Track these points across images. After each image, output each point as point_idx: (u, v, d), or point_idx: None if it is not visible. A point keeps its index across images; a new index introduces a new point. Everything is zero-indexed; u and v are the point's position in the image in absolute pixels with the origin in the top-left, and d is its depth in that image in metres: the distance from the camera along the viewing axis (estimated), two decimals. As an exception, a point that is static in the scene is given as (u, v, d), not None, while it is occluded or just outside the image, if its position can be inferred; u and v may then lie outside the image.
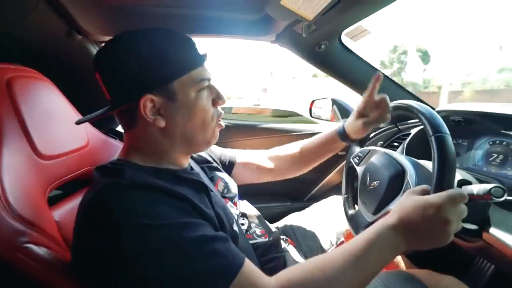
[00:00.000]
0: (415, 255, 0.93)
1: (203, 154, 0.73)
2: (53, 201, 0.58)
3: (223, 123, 0.57)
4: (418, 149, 0.83)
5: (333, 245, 0.81)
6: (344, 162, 0.82)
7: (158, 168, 0.49)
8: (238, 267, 0.38)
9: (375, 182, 0.63)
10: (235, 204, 0.69)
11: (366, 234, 0.44)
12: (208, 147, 0.56)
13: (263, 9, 0.76)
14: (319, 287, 0.39)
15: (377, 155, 0.68)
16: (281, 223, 0.90)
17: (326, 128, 1.19)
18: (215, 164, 0.73)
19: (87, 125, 0.71)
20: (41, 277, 0.41)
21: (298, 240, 0.80)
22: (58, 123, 0.61)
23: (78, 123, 0.53)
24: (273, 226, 0.81)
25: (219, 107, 0.55)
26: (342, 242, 0.81)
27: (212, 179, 0.67)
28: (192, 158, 0.66)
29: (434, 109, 0.87)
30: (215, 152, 0.80)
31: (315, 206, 0.98)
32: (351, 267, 0.40)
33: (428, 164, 0.59)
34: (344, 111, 1.13)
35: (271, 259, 0.65)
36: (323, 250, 0.78)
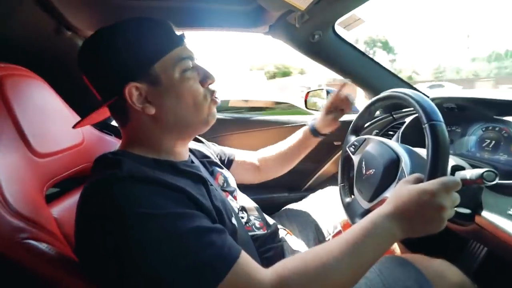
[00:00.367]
0: (409, 240, 0.95)
1: (203, 149, 0.73)
2: (50, 199, 0.58)
3: (218, 99, 0.56)
4: (413, 137, 0.84)
5: (330, 235, 0.82)
6: (340, 152, 0.83)
7: (158, 160, 0.50)
8: (234, 259, 0.39)
9: (370, 170, 0.64)
10: (235, 197, 0.69)
11: (363, 223, 0.44)
12: (207, 127, 0.55)
13: (255, 0, 0.75)
14: (316, 275, 0.39)
15: (373, 143, 0.69)
16: (278, 214, 0.91)
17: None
18: (214, 159, 0.73)
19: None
20: (43, 271, 0.41)
21: (296, 230, 0.81)
22: (52, 121, 0.61)
23: (74, 126, 0.54)
24: (271, 217, 0.82)
25: (210, 86, 0.54)
26: (339, 232, 0.82)
27: (212, 173, 0.68)
28: (192, 152, 0.66)
29: (428, 96, 0.87)
30: (214, 149, 0.82)
31: (312, 197, 0.99)
32: (348, 255, 0.41)
33: (422, 152, 0.60)
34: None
35: (269, 249, 0.66)
36: (320, 240, 0.80)
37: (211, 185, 0.54)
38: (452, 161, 0.62)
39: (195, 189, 0.47)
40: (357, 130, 0.81)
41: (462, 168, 0.58)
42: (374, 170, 0.63)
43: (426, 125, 0.48)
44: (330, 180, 1.31)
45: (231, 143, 1.14)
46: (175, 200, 0.42)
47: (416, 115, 0.55)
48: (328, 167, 1.27)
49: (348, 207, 0.73)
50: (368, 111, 0.77)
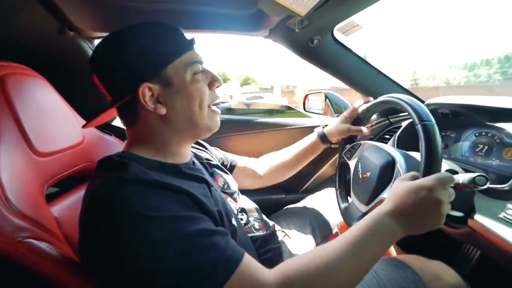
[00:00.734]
0: (405, 242, 0.97)
1: (204, 152, 0.74)
2: (50, 198, 0.58)
3: (217, 109, 0.57)
4: (408, 141, 0.86)
5: (327, 237, 0.83)
6: (337, 154, 0.85)
7: (163, 162, 0.51)
8: (238, 260, 0.39)
9: (367, 173, 0.65)
10: (235, 199, 0.70)
11: (363, 222, 0.45)
12: (210, 132, 0.57)
13: (256, 4, 0.77)
14: (319, 273, 0.40)
15: (368, 148, 0.71)
16: (276, 215, 0.92)
17: (318, 122, 1.21)
18: (215, 162, 0.74)
19: (82, 122, 0.71)
20: (43, 270, 0.41)
21: (293, 232, 0.82)
22: (53, 120, 0.61)
23: (85, 126, 0.54)
24: (269, 218, 0.83)
25: (216, 90, 0.57)
26: (336, 234, 0.83)
27: (212, 174, 0.68)
28: (193, 154, 0.67)
29: (423, 102, 0.89)
30: (217, 154, 0.83)
31: (309, 198, 1.01)
32: (350, 253, 0.42)
33: (417, 155, 0.61)
34: (336, 105, 1.15)
35: (268, 250, 0.67)
36: (317, 242, 0.81)
37: (212, 186, 0.55)
38: (446, 165, 0.64)
39: (199, 191, 0.48)
40: (353, 136, 0.82)
41: (455, 173, 0.59)
42: (370, 172, 0.64)
43: (419, 125, 0.51)
44: (327, 182, 1.32)
45: (233, 144, 1.15)
46: (180, 202, 0.42)
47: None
48: (325, 169, 1.29)
49: (345, 212, 0.74)
50: (363, 116, 0.79)
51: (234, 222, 0.55)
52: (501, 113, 0.70)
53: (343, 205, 0.76)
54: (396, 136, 0.90)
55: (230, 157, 0.87)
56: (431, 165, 0.48)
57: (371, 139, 1.15)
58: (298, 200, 1.02)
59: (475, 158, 0.76)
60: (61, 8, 0.65)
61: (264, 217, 0.76)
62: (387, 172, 0.60)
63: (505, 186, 0.56)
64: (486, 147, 0.74)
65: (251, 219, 0.71)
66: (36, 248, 0.42)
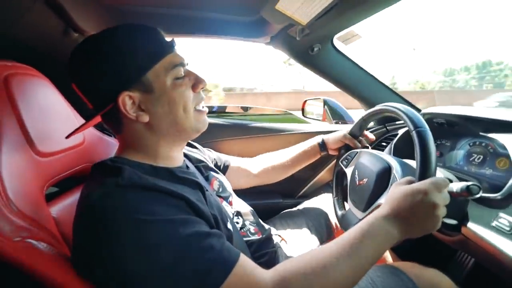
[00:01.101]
0: (401, 249, 0.98)
1: (197, 154, 0.74)
2: (49, 198, 0.58)
3: (205, 108, 0.56)
4: (405, 149, 0.87)
5: (323, 242, 0.83)
6: (334, 160, 0.86)
7: (155, 167, 0.50)
8: (234, 261, 0.40)
9: (363, 180, 0.66)
10: (230, 203, 0.70)
11: (360, 225, 0.46)
12: (198, 133, 0.55)
13: (258, 12, 0.78)
14: (317, 275, 0.40)
15: (365, 155, 0.72)
16: (273, 220, 0.93)
17: (316, 128, 1.22)
18: (209, 164, 0.74)
19: (83, 122, 0.71)
20: (42, 270, 0.41)
21: (290, 237, 0.82)
22: (55, 121, 0.62)
23: (68, 137, 0.53)
24: (266, 223, 0.83)
25: (201, 92, 0.55)
26: (332, 239, 0.84)
27: (207, 178, 0.68)
28: (187, 157, 0.67)
29: (419, 111, 0.91)
30: (210, 155, 0.83)
31: (306, 203, 1.01)
32: (347, 255, 0.42)
33: (413, 163, 0.63)
34: (334, 112, 1.16)
35: (264, 254, 0.67)
36: (314, 246, 0.81)
37: (207, 190, 0.55)
38: (441, 173, 0.65)
39: (193, 195, 0.48)
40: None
41: (450, 181, 0.61)
42: (367, 179, 0.65)
43: (413, 132, 0.53)
44: (324, 188, 1.33)
45: (228, 148, 1.15)
46: (174, 206, 0.42)
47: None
48: (322, 175, 1.30)
49: (342, 219, 0.74)
50: (359, 125, 0.81)
51: (229, 226, 0.56)
52: (495, 124, 0.71)
53: (340, 212, 0.77)
54: (393, 144, 0.91)
55: (223, 158, 0.87)
56: (426, 170, 0.49)
57: (367, 147, 1.17)
58: (295, 205, 1.02)
59: (469, 167, 0.77)
60: (66, 9, 0.66)
61: (260, 221, 0.76)
62: (384, 178, 0.61)
63: (497, 195, 0.58)
64: (480, 156, 0.75)
65: (246, 223, 0.71)
66: (35, 248, 0.42)
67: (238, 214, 0.72)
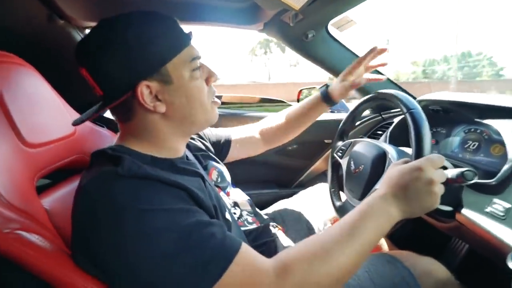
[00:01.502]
0: (397, 238, 0.99)
1: (197, 142, 0.73)
2: (41, 190, 0.57)
3: (218, 100, 0.56)
4: (401, 137, 0.87)
5: (320, 231, 0.84)
6: (330, 151, 0.85)
7: (156, 157, 0.50)
8: (236, 249, 0.39)
9: (359, 167, 0.66)
10: (227, 193, 0.70)
11: (360, 207, 0.46)
12: (209, 125, 0.56)
13: (251, -3, 0.76)
14: (319, 260, 0.40)
15: (359, 144, 0.72)
16: (270, 210, 0.93)
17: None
18: (208, 152, 0.73)
19: (73, 113, 0.69)
20: (34, 262, 0.41)
21: (287, 226, 0.82)
22: (43, 111, 0.60)
23: (75, 124, 0.51)
24: (262, 213, 0.83)
25: (212, 85, 0.55)
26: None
27: (205, 167, 0.68)
28: (187, 146, 0.66)
29: (415, 98, 0.91)
30: (208, 134, 0.80)
31: (302, 193, 1.01)
32: (348, 237, 0.42)
33: (409, 150, 0.63)
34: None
35: (262, 244, 0.68)
36: (311, 235, 0.81)
37: (207, 180, 0.54)
38: None
39: (194, 185, 0.48)
40: (344, 135, 0.83)
41: (445, 168, 0.61)
42: (363, 165, 0.65)
43: (407, 113, 0.54)
44: (320, 177, 1.34)
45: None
46: (175, 196, 0.42)
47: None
48: (318, 165, 1.30)
49: (340, 210, 0.74)
50: (353, 115, 0.80)
51: (228, 216, 0.55)
52: (489, 110, 0.71)
53: (337, 204, 0.77)
54: (389, 132, 0.91)
55: (223, 133, 0.83)
56: (421, 149, 0.50)
57: (363, 136, 1.17)
58: (291, 195, 1.03)
59: (464, 154, 0.78)
60: (50, -5, 0.63)
61: (257, 211, 0.76)
62: (379, 163, 0.61)
63: (492, 181, 0.58)
64: (475, 143, 0.76)
65: (244, 213, 0.71)
66: (26, 240, 0.41)
67: (235, 204, 0.72)
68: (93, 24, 0.79)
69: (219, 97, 1.36)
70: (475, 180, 0.46)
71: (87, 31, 0.83)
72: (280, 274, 0.39)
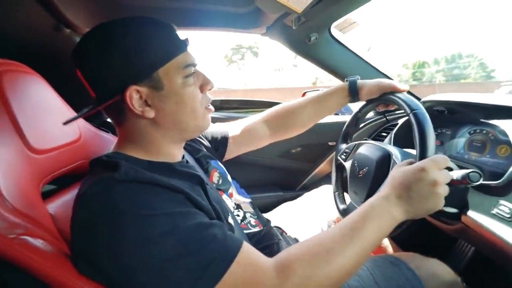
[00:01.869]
0: (401, 239, 0.98)
1: (195, 143, 0.72)
2: (47, 195, 0.58)
3: (212, 107, 0.56)
4: (405, 139, 0.86)
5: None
6: (334, 153, 0.85)
7: (153, 162, 0.50)
8: (237, 250, 0.39)
9: (364, 169, 0.65)
10: (230, 195, 0.70)
11: (362, 208, 0.46)
12: (201, 132, 0.56)
13: (253, 2, 0.76)
14: (320, 260, 0.40)
15: (363, 146, 0.71)
16: (273, 213, 0.93)
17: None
18: (207, 152, 0.72)
19: (79, 119, 0.70)
20: (39, 267, 0.41)
21: (291, 229, 0.82)
22: (49, 117, 0.61)
23: (65, 123, 0.52)
24: (267, 216, 0.83)
25: (207, 93, 0.54)
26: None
27: (206, 170, 0.68)
28: (186, 150, 0.66)
29: (419, 99, 0.90)
30: (206, 134, 0.78)
31: (306, 196, 1.01)
32: (349, 238, 0.42)
33: (413, 151, 0.62)
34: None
35: (265, 247, 0.67)
36: None
37: (207, 184, 0.54)
38: None
39: (193, 189, 0.48)
40: (348, 137, 0.82)
41: (450, 169, 0.60)
42: (367, 168, 0.64)
43: (410, 114, 0.53)
44: (324, 180, 1.33)
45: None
46: (174, 200, 0.42)
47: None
48: (322, 167, 1.29)
49: (344, 213, 0.74)
50: (357, 118, 0.79)
51: (230, 220, 0.55)
52: (495, 110, 0.70)
53: (341, 206, 0.76)
54: (393, 133, 0.90)
55: (220, 130, 0.79)
56: (425, 150, 0.49)
57: (367, 138, 1.16)
58: (295, 197, 1.02)
59: (470, 155, 0.76)
60: (57, 5, 0.65)
61: (260, 213, 0.76)
62: (384, 165, 0.61)
63: (498, 183, 0.57)
64: (481, 144, 0.74)
65: (247, 215, 0.71)
66: (31, 245, 0.41)
67: (238, 206, 0.72)
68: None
69: (222, 106, 1.37)
70: (481, 181, 0.46)
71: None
72: (281, 274, 0.39)
